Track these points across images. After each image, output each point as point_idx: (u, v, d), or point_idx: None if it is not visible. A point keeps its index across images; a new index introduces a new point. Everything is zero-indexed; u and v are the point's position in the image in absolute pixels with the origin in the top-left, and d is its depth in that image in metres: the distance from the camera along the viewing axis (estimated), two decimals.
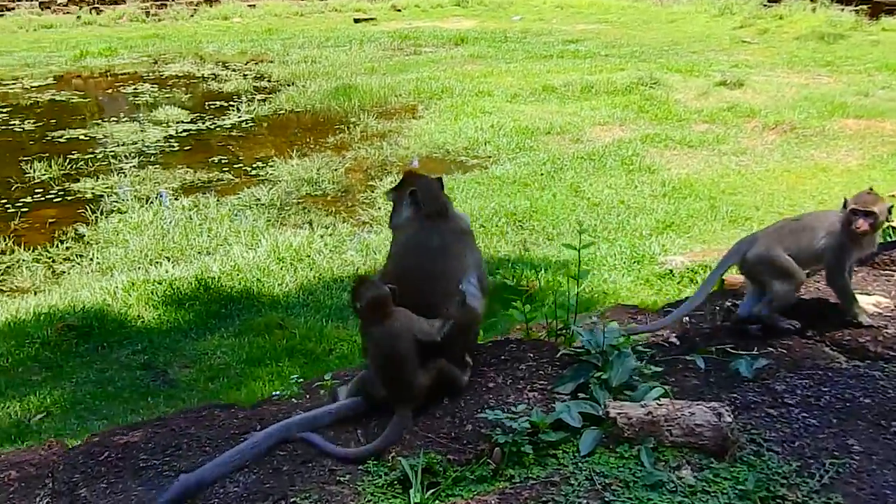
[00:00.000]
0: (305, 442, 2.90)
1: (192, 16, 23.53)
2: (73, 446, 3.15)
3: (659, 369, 3.06)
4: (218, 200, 8.63)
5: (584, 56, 15.95)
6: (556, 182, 8.55)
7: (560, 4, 23.57)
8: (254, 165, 10.00)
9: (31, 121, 12.79)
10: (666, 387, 2.94)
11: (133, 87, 15.41)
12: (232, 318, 6.05)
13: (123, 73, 17.00)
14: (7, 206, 8.84)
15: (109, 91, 15.58)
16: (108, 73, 17.20)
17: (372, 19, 23.28)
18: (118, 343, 5.69)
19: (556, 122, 10.98)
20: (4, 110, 13.63)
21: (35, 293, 6.60)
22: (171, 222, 7.94)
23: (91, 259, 7.24)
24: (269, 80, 15.31)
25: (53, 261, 7.31)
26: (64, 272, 7.06)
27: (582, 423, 2.77)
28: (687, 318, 3.72)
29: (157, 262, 7.02)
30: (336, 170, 9.59)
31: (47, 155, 10.33)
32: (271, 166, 9.86)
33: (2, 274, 7.06)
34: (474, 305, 3.14)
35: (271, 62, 17.24)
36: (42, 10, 22.95)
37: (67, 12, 22.92)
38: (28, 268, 7.13)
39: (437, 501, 2.52)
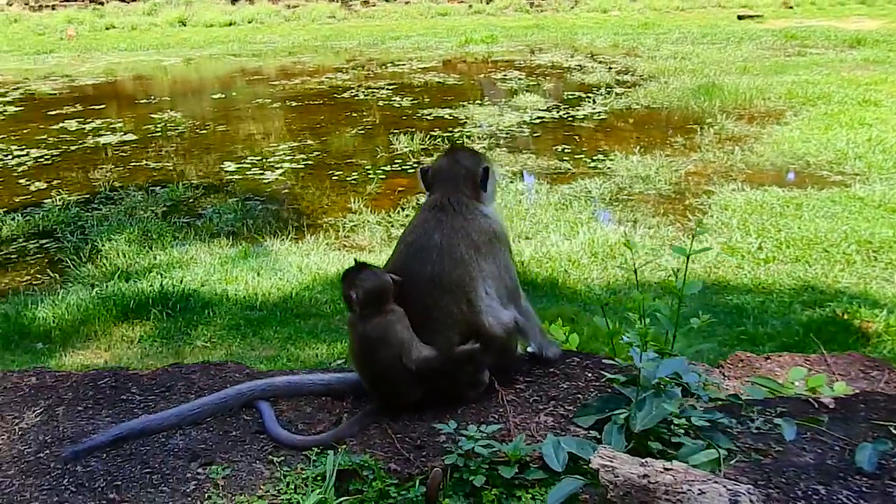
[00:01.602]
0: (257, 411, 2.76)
1: (572, 8, 24.11)
2: (92, 369, 3.33)
3: (716, 420, 2.40)
4: (550, 187, 8.73)
5: None
6: None
7: None
8: (593, 157, 9.92)
9: (409, 98, 14.10)
10: (727, 452, 2.29)
11: (503, 73, 16.21)
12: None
13: (499, 60, 17.98)
14: (369, 172, 9.84)
15: (482, 76, 16.59)
16: (487, 60, 18.32)
17: (758, 16, 21.82)
18: None
19: None
20: (391, 87, 15.21)
21: (368, 252, 7.24)
22: (500, 203, 8.19)
23: None
24: (632, 75, 15.11)
25: (392, 225, 7.97)
26: (396, 237, 7.64)
27: (565, 466, 2.24)
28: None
29: None
30: (676, 171, 9.13)
31: (413, 130, 11.27)
32: (611, 160, 9.70)
33: (349, 231, 7.87)
34: (491, 324, 2.68)
35: (639, 56, 17.01)
36: None
37: (461, 1, 24.84)
38: (370, 229, 7.86)
39: None
